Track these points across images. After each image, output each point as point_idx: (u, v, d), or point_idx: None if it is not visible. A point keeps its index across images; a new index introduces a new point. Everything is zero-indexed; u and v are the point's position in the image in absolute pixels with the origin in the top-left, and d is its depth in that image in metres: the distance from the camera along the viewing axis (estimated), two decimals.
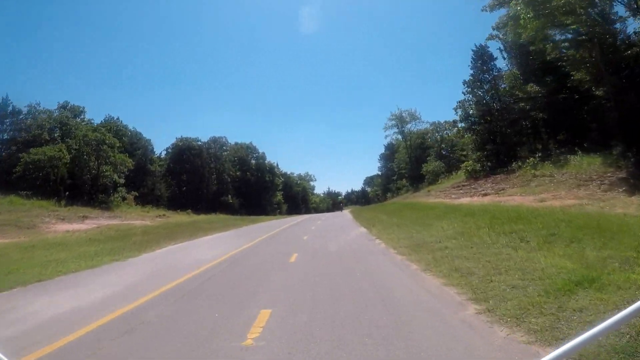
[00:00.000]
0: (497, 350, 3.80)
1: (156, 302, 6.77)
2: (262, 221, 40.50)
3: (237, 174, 72.76)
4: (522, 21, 20.23)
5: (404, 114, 63.84)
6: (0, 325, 5.82)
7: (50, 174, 36.61)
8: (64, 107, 49.67)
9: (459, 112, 38.52)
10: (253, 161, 78.67)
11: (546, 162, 23.99)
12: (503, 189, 22.61)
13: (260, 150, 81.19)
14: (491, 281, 6.15)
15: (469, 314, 4.89)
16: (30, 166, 35.95)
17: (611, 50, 23.13)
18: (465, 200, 23.41)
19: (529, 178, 22.47)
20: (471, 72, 35.79)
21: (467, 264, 7.53)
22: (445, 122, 59.32)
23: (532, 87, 29.52)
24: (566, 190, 16.54)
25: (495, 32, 34.51)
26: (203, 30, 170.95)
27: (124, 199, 43.76)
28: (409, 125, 64.41)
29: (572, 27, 21.41)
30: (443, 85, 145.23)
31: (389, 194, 72.62)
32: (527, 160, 25.74)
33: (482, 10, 28.33)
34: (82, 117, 51.12)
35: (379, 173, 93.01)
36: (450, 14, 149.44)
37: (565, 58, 24.43)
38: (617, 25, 24.50)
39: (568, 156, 22.70)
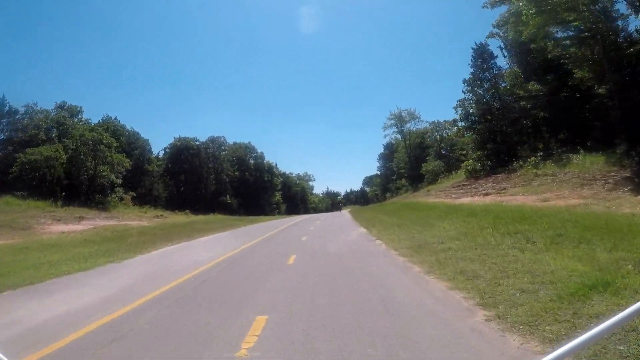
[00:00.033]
0: None
1: (148, 307, 6.47)
2: (260, 221, 40.18)
3: (236, 174, 72.42)
4: (524, 17, 19.98)
5: (403, 114, 63.61)
6: None
7: (46, 174, 36.30)
8: (61, 107, 49.40)
9: (459, 111, 38.35)
10: (252, 161, 78.35)
11: (548, 161, 23.73)
12: (504, 189, 22.33)
13: (259, 150, 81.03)
14: (499, 285, 5.86)
15: (478, 321, 4.59)
16: (27, 166, 35.65)
17: (613, 48, 22.90)
18: (466, 200, 23.13)
19: (530, 177, 22.21)
20: (471, 70, 35.57)
21: (473, 266, 7.23)
22: (445, 121, 59.17)
23: (533, 86, 29.26)
24: (569, 190, 16.27)
25: (495, 30, 34.32)
26: (202, 30, 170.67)
27: (121, 199, 43.45)
28: (408, 125, 64.19)
29: (575, 23, 21.17)
30: (443, 85, 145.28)
31: (388, 194, 72.37)
32: (529, 160, 25.47)
33: (483, 7, 28.12)
34: (79, 117, 50.89)
35: (378, 173, 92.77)
36: (449, 13, 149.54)
37: (567, 56, 24.18)
38: (619, 23, 24.33)
39: (570, 155, 22.45)
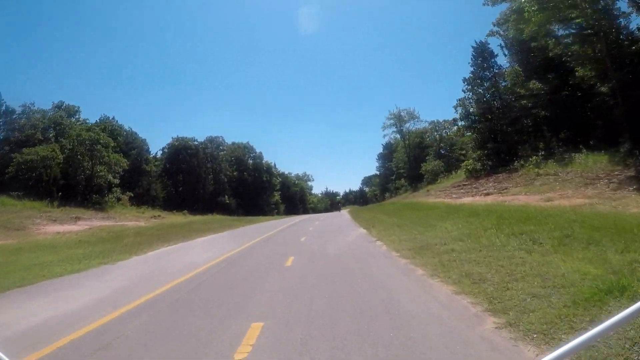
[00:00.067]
0: None
1: (138, 312, 6.16)
2: (259, 222, 39.86)
3: (234, 174, 72.04)
4: (526, 14, 19.69)
5: (402, 113, 63.34)
6: None
7: (43, 174, 35.92)
8: (58, 106, 49.04)
9: (459, 110, 38.05)
10: (250, 161, 77.95)
11: (549, 160, 23.44)
12: (506, 188, 22.04)
13: (258, 150, 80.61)
14: (507, 289, 5.55)
15: (488, 329, 4.28)
16: (23, 166, 35.27)
17: (614, 47, 22.67)
18: (467, 199, 22.84)
19: (532, 177, 21.92)
20: (471, 69, 35.28)
21: (478, 269, 6.92)
22: (445, 121, 58.93)
23: (534, 84, 28.97)
24: (573, 189, 15.98)
25: (496, 29, 33.99)
26: (201, 29, 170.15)
27: (118, 199, 43.06)
28: (407, 125, 63.94)
29: (577, 21, 20.91)
30: (442, 84, 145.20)
31: (387, 194, 72.10)
32: (530, 159, 25.19)
33: (484, 5, 27.78)
34: (77, 116, 50.53)
35: (377, 173, 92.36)
36: (449, 12, 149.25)
37: (569, 53, 23.91)
38: (620, 21, 24.10)
39: (572, 154, 22.16)
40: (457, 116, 39.98)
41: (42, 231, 22.89)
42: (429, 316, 4.90)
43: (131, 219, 34.50)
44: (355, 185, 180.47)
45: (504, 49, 35.50)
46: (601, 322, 1.04)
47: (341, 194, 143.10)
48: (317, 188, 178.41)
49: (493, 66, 34.45)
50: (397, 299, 5.82)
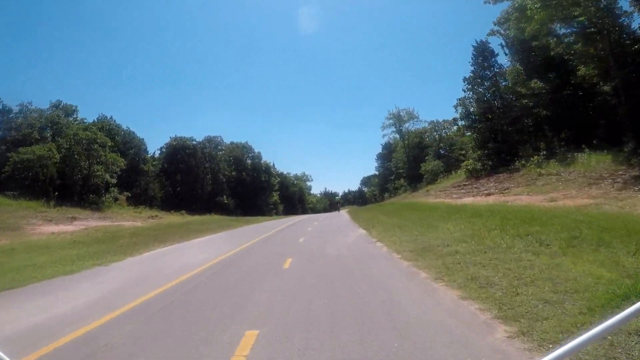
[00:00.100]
0: None
1: (128, 317, 5.86)
2: (257, 222, 39.54)
3: (233, 174, 71.61)
4: (528, 12, 19.40)
5: (401, 113, 63.00)
6: None
7: (39, 173, 35.53)
8: (56, 106, 48.61)
9: (459, 109, 37.74)
10: (249, 161, 77.47)
11: (551, 160, 23.15)
12: (507, 188, 21.76)
13: (256, 150, 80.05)
14: (517, 294, 5.26)
15: (500, 339, 3.98)
16: (19, 166, 34.88)
17: (617, 45, 22.43)
18: (468, 200, 22.55)
19: (534, 177, 21.64)
20: (472, 68, 34.92)
21: (485, 272, 6.63)
22: (444, 120, 58.67)
23: (535, 84, 28.65)
24: (577, 189, 15.69)
25: (496, 28, 33.72)
26: (201, 29, 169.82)
27: (116, 199, 42.63)
28: (406, 124, 63.58)
29: (580, 19, 20.63)
30: (442, 84, 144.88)
31: (386, 194, 71.74)
32: (532, 159, 24.91)
33: (485, 3, 27.44)
34: (74, 116, 50.12)
35: (376, 173, 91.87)
36: (449, 11, 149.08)
37: (571, 52, 23.64)
38: (622, 20, 23.84)
39: (575, 154, 21.88)
40: (458, 116, 39.77)
41: (37, 231, 22.55)
42: (435, 324, 4.60)
43: (128, 219, 34.15)
44: (354, 186, 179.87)
45: (505, 48, 35.29)
46: (601, 322, 1.04)
47: (340, 194, 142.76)
48: (316, 188, 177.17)
49: (494, 65, 34.14)
50: (401, 304, 5.52)
